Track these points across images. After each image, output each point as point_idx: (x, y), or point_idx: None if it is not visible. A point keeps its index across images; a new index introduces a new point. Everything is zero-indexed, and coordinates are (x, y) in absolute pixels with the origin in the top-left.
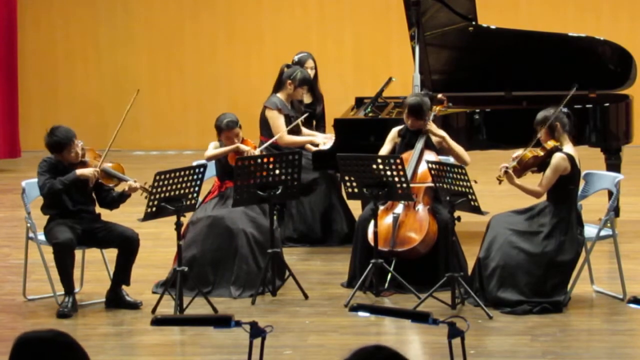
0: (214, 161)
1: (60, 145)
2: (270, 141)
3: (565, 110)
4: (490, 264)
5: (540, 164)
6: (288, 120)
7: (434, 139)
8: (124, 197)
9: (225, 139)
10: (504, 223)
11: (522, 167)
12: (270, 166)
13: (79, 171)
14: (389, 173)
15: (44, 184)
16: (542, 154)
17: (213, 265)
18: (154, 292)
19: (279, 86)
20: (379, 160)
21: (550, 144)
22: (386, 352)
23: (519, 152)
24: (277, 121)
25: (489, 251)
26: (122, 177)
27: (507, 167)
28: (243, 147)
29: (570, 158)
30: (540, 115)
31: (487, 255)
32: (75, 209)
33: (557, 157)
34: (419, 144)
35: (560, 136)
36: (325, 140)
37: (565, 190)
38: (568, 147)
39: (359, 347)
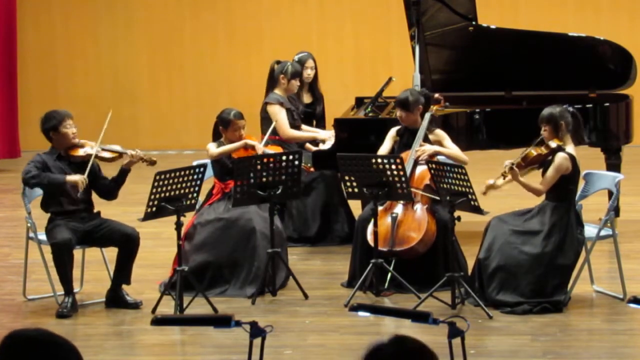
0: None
1: (56, 124)
2: (268, 132)
3: (571, 109)
4: (490, 264)
5: (542, 162)
6: (290, 114)
7: (431, 138)
8: (123, 173)
9: (232, 132)
10: (503, 224)
11: (525, 164)
12: (271, 166)
13: (69, 177)
14: (388, 173)
15: (29, 170)
16: (545, 152)
17: (230, 267)
18: (161, 293)
19: (272, 83)
20: (379, 160)
21: (554, 143)
22: (409, 345)
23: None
24: (279, 115)
25: (489, 252)
26: (121, 150)
27: (512, 163)
28: (251, 141)
29: (572, 158)
30: (546, 111)
31: (487, 256)
32: (73, 208)
33: (560, 157)
34: (415, 144)
35: (564, 135)
36: (328, 135)
37: (565, 190)
38: (570, 148)
39: (375, 346)
